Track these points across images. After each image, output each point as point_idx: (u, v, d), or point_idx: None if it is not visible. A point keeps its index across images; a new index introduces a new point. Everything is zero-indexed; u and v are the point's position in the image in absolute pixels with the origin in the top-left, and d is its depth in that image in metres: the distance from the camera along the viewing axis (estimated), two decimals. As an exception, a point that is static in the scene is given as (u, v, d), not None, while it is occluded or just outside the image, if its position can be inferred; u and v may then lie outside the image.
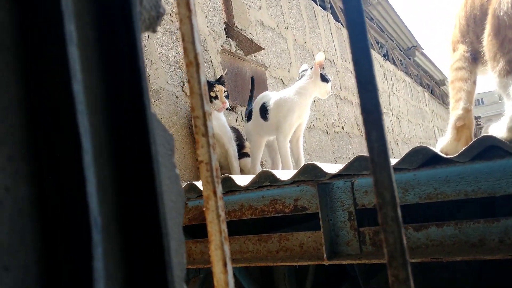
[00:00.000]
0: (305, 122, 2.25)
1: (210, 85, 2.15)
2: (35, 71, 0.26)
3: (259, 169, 2.30)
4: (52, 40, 0.26)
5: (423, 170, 1.00)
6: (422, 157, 0.93)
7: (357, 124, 5.10)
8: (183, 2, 0.49)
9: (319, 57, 2.19)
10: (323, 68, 2.21)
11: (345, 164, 1.01)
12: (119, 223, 0.27)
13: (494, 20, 1.12)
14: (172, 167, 0.39)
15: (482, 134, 0.89)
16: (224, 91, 2.17)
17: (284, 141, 2.16)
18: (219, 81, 2.24)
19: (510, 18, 1.07)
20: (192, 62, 0.50)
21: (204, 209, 0.47)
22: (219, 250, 0.47)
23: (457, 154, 0.87)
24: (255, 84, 3.22)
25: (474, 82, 1.31)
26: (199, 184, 1.27)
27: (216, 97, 2.13)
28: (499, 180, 0.97)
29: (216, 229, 0.47)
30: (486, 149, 0.93)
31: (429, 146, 0.89)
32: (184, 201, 0.40)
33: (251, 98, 2.55)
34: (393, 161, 0.97)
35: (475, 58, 1.28)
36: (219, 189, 0.49)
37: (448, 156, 0.88)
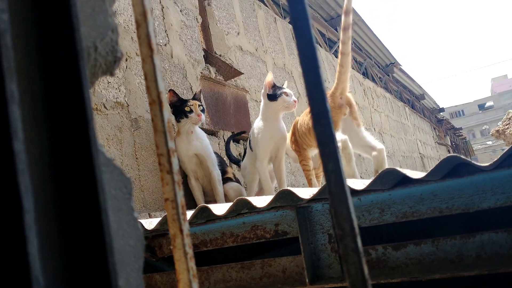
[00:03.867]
0: (283, 144, 2.27)
1: (184, 102, 2.22)
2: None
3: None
4: (-8, 100, 0.27)
5: (397, 189, 1.02)
6: (394, 178, 0.94)
7: (341, 142, 5.15)
8: (145, 42, 0.50)
9: (267, 77, 2.23)
10: (273, 86, 2.22)
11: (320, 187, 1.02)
12: (66, 280, 0.27)
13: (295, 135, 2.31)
14: (129, 211, 0.39)
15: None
16: (199, 105, 2.22)
17: (260, 166, 2.22)
18: (194, 97, 2.32)
19: (301, 133, 2.26)
20: (155, 100, 0.51)
21: (171, 247, 0.47)
22: (188, 288, 0.47)
23: (426, 174, 0.89)
24: (236, 108, 3.25)
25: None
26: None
27: (191, 111, 2.18)
28: (472, 196, 0.99)
29: (184, 268, 0.47)
30: (457, 166, 0.95)
31: (398, 168, 0.91)
32: (143, 244, 0.40)
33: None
34: (366, 182, 0.99)
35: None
36: (186, 227, 0.49)
37: (418, 177, 0.90)
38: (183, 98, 2.29)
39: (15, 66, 0.29)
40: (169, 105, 2.21)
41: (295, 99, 2.21)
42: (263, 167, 2.23)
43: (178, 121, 2.20)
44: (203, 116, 2.21)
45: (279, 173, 2.28)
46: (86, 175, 0.30)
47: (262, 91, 2.23)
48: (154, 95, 0.51)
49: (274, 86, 2.23)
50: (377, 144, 2.00)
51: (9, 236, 0.24)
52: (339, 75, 2.03)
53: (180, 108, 2.19)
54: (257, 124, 2.27)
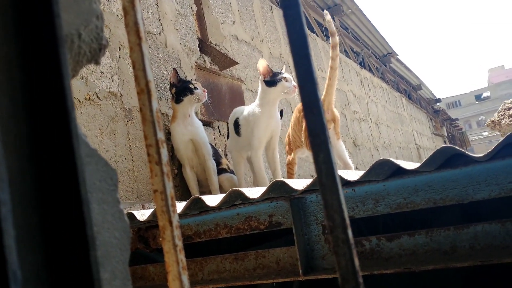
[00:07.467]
0: (277, 132, 2.24)
1: (186, 81, 2.23)
2: None
3: (244, 184, 2.29)
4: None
5: (392, 180, 1.01)
6: (388, 169, 0.94)
7: (337, 133, 5.15)
8: (133, 30, 0.49)
9: (260, 63, 2.18)
10: (271, 72, 2.17)
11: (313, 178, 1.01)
12: (46, 275, 0.27)
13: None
14: (115, 203, 0.38)
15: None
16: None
17: (255, 156, 2.17)
18: None
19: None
20: (144, 89, 0.50)
21: (160, 239, 0.46)
22: (177, 280, 0.46)
23: (420, 164, 0.89)
24: (232, 98, 3.23)
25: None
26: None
27: (196, 88, 2.18)
28: (466, 187, 0.98)
29: (173, 260, 0.46)
30: (452, 157, 0.95)
31: (391, 159, 0.90)
32: (129, 237, 0.40)
33: None
34: (360, 173, 0.98)
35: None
36: (175, 218, 0.48)
37: (412, 168, 0.90)
38: (184, 79, 2.30)
39: (-9, 53, 0.28)
40: (171, 84, 2.20)
41: (295, 84, 2.14)
42: (258, 157, 2.18)
43: (180, 100, 2.16)
44: (206, 93, 2.21)
45: (273, 163, 2.25)
46: (67, 166, 0.29)
47: (261, 78, 2.19)
48: (143, 84, 0.50)
49: (271, 71, 2.17)
50: (350, 162, 2.14)
51: (-17, 230, 0.23)
52: (327, 87, 2.11)
53: (183, 86, 2.17)
54: (252, 110, 2.20)
